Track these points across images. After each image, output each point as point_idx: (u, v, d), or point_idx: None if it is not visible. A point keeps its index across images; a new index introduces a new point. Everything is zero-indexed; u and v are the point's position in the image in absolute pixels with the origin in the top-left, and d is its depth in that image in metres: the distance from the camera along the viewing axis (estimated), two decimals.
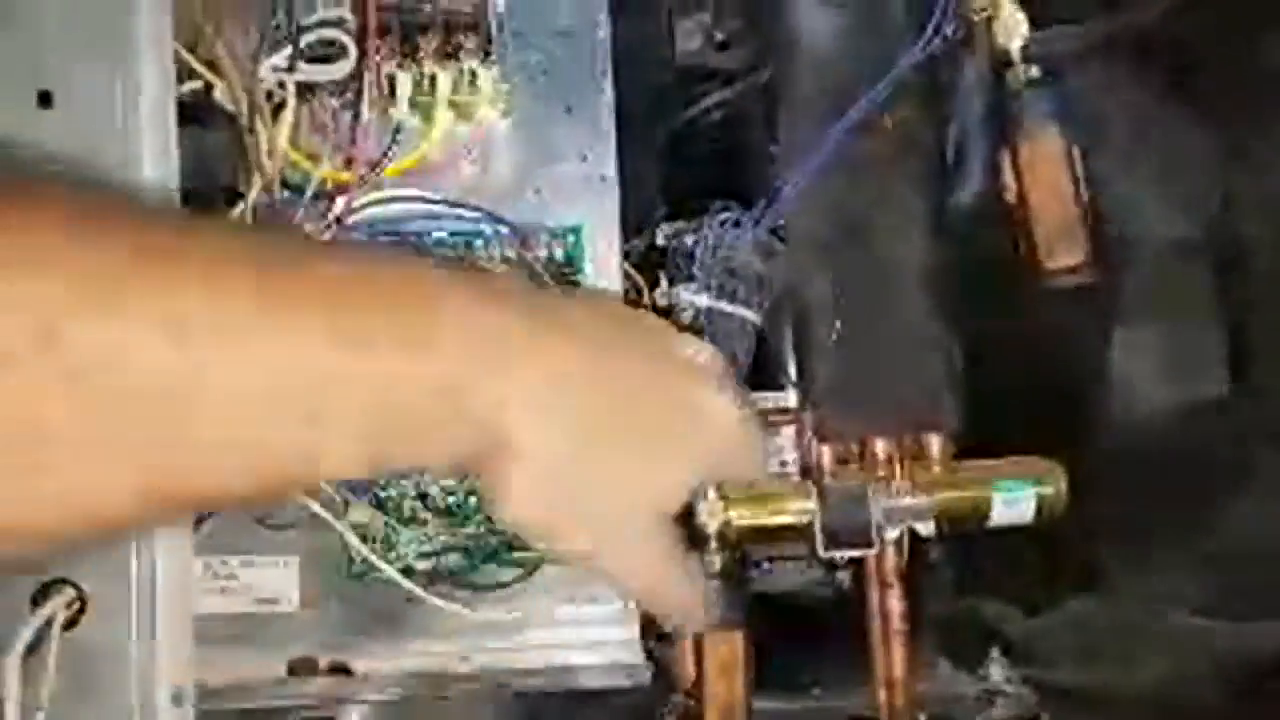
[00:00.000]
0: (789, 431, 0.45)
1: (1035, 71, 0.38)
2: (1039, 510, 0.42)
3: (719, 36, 0.58)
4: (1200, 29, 0.50)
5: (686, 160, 0.55)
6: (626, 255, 0.46)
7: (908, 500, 0.40)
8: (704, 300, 0.40)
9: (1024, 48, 0.38)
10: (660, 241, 0.46)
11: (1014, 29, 0.38)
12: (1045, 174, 0.38)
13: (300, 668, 0.41)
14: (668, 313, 0.44)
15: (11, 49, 0.33)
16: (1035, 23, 0.46)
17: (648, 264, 0.46)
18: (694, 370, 0.31)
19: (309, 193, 0.41)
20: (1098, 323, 0.50)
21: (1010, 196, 0.39)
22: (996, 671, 0.49)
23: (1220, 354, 0.49)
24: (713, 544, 0.39)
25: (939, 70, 0.45)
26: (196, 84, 0.40)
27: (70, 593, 0.33)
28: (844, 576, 0.49)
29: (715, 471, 0.33)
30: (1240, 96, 0.51)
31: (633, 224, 0.46)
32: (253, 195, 0.39)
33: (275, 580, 0.43)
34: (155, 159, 0.36)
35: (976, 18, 0.40)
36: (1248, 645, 0.49)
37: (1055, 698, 0.50)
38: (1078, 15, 0.52)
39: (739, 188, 0.47)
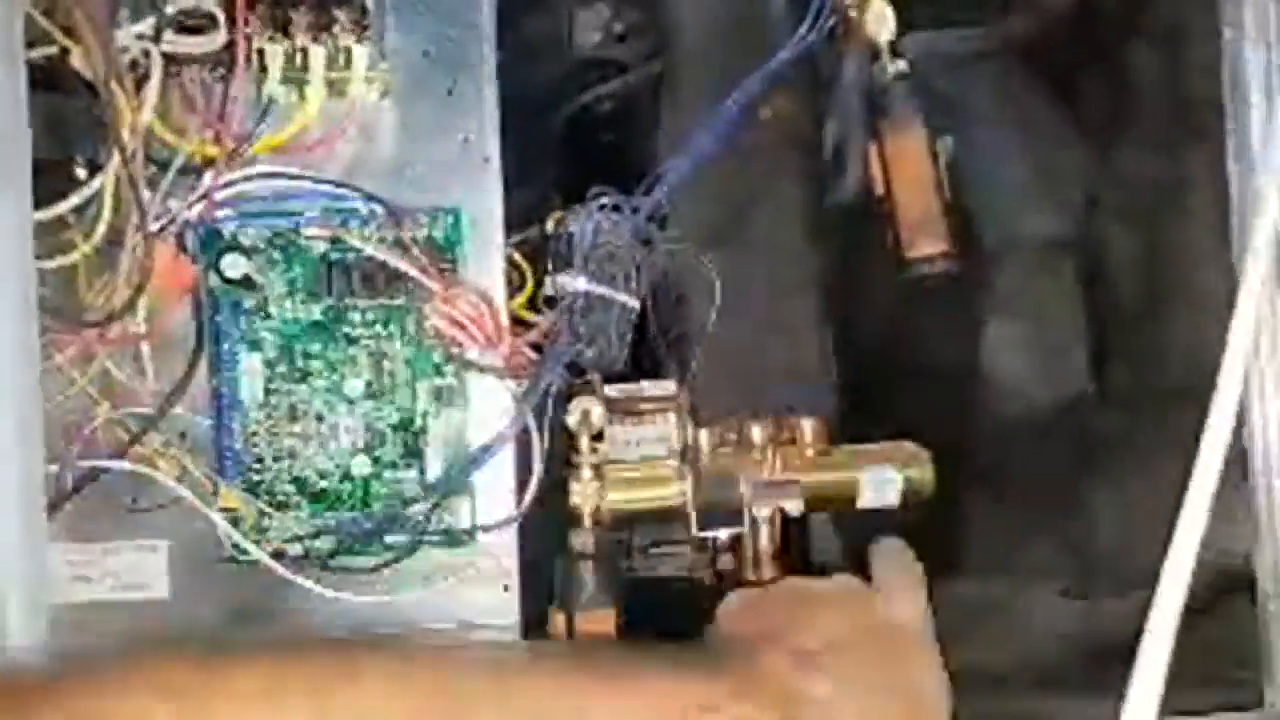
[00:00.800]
0: (670, 416, 0.46)
1: (902, 66, 0.39)
2: (905, 494, 0.43)
3: (618, 28, 0.58)
4: (1078, 40, 0.53)
5: (580, 150, 0.55)
6: (521, 244, 0.46)
7: (778, 482, 0.41)
8: (582, 284, 0.40)
9: (892, 42, 0.39)
10: (550, 229, 0.46)
11: (882, 23, 0.39)
12: (908, 166, 0.39)
13: None
14: (553, 302, 0.44)
15: None
16: (931, 24, 0.48)
17: (542, 252, 0.46)
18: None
19: (174, 167, 0.40)
20: (971, 317, 0.52)
21: (877, 188, 0.40)
22: None
23: (1083, 350, 0.52)
24: (586, 523, 0.39)
25: (819, 63, 0.46)
26: (51, 49, 0.38)
27: None
28: (727, 559, 0.50)
29: None
30: (1110, 106, 0.53)
31: (525, 213, 0.46)
32: (112, 167, 0.38)
33: (143, 567, 0.42)
34: (3, 124, 0.34)
35: (853, 11, 0.41)
36: (1102, 622, 0.52)
37: None
38: (973, 20, 0.54)
39: (630, 177, 0.47)
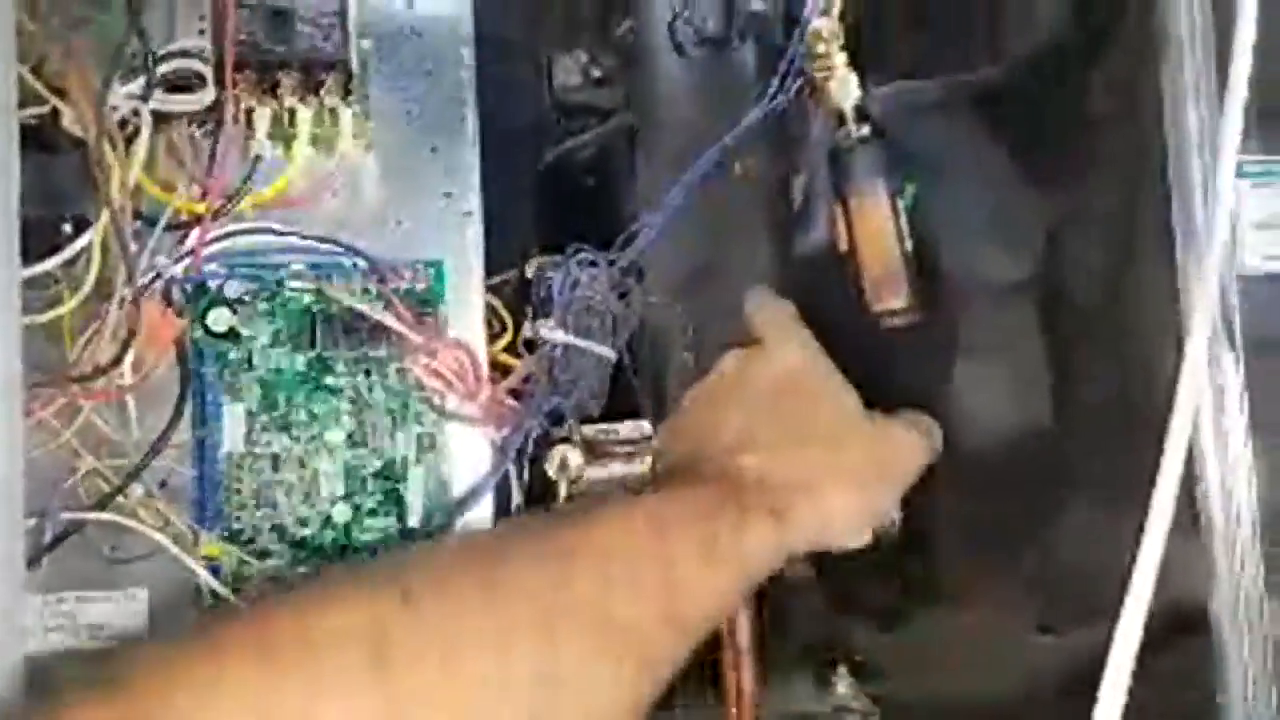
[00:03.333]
0: (647, 459, 0.47)
1: (865, 130, 0.41)
2: (875, 533, 0.45)
3: (595, 73, 0.60)
4: (1032, 88, 0.55)
5: (558, 195, 0.57)
6: (499, 289, 0.47)
7: None
8: (560, 336, 0.42)
9: (857, 107, 0.41)
10: (529, 275, 0.48)
11: (846, 89, 0.41)
12: (870, 226, 0.41)
13: None
14: (533, 345, 0.45)
15: None
16: (884, 77, 0.50)
17: (522, 298, 0.47)
18: None
19: (161, 223, 0.40)
20: (939, 358, 0.54)
21: (843, 245, 0.42)
22: (843, 688, 0.52)
23: (1046, 385, 0.54)
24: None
25: (789, 123, 0.48)
26: (43, 108, 0.39)
27: None
28: None
29: None
30: (1063, 151, 0.56)
31: (505, 258, 0.47)
32: (101, 224, 0.39)
33: (122, 615, 0.42)
34: None
35: (818, 76, 0.43)
36: (1069, 656, 0.53)
37: (898, 711, 0.53)
38: (927, 71, 0.56)
39: (606, 224, 0.49)
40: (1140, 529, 0.39)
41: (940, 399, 0.54)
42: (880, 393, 0.55)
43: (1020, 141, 0.53)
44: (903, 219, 0.41)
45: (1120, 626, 0.34)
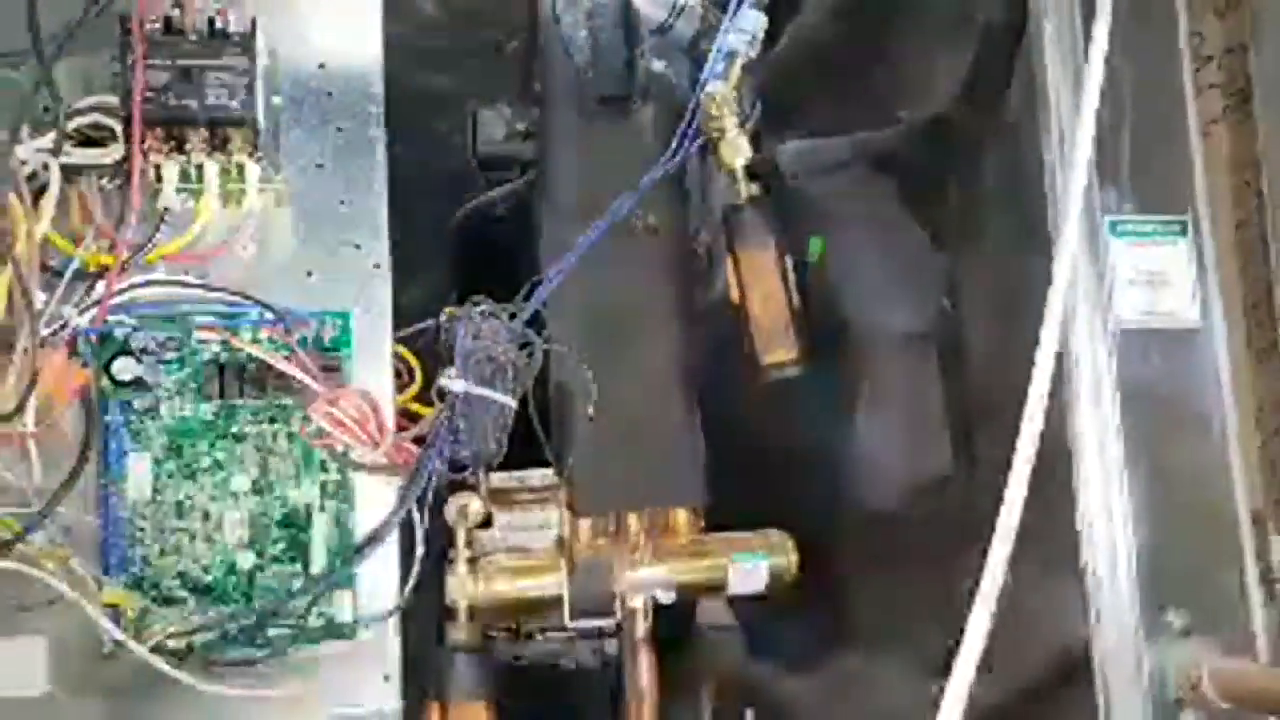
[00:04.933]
0: (552, 507, 0.48)
1: (755, 189, 0.43)
2: (772, 578, 0.46)
3: (520, 126, 0.61)
4: (931, 151, 0.58)
5: (476, 245, 0.59)
6: (414, 338, 0.48)
7: (648, 572, 0.43)
8: (460, 386, 0.43)
9: (747, 167, 0.43)
10: (442, 324, 0.49)
11: (738, 149, 0.43)
12: (760, 282, 0.42)
13: None
14: (444, 395, 0.46)
15: None
16: (792, 134, 0.52)
17: (434, 346, 0.48)
18: None
19: (67, 276, 0.41)
20: (837, 407, 0.55)
21: (734, 296, 0.43)
22: None
23: (946, 433, 0.55)
24: (461, 617, 0.41)
25: (691, 179, 0.50)
26: None
27: None
28: (613, 645, 0.52)
29: None
30: (961, 210, 0.58)
31: (421, 309, 0.48)
32: (5, 278, 0.39)
33: (21, 663, 0.42)
34: None
35: (713, 137, 0.45)
36: (972, 699, 0.54)
37: None
38: (833, 129, 0.59)
39: (525, 273, 0.50)
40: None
41: (844, 447, 0.55)
42: (784, 441, 0.57)
43: (919, 201, 0.56)
44: (790, 275, 0.43)
45: (952, 680, 0.35)
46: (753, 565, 0.45)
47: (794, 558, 0.46)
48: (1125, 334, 0.45)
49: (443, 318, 0.48)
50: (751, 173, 0.43)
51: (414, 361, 0.47)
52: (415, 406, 0.47)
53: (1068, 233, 0.38)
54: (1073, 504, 0.44)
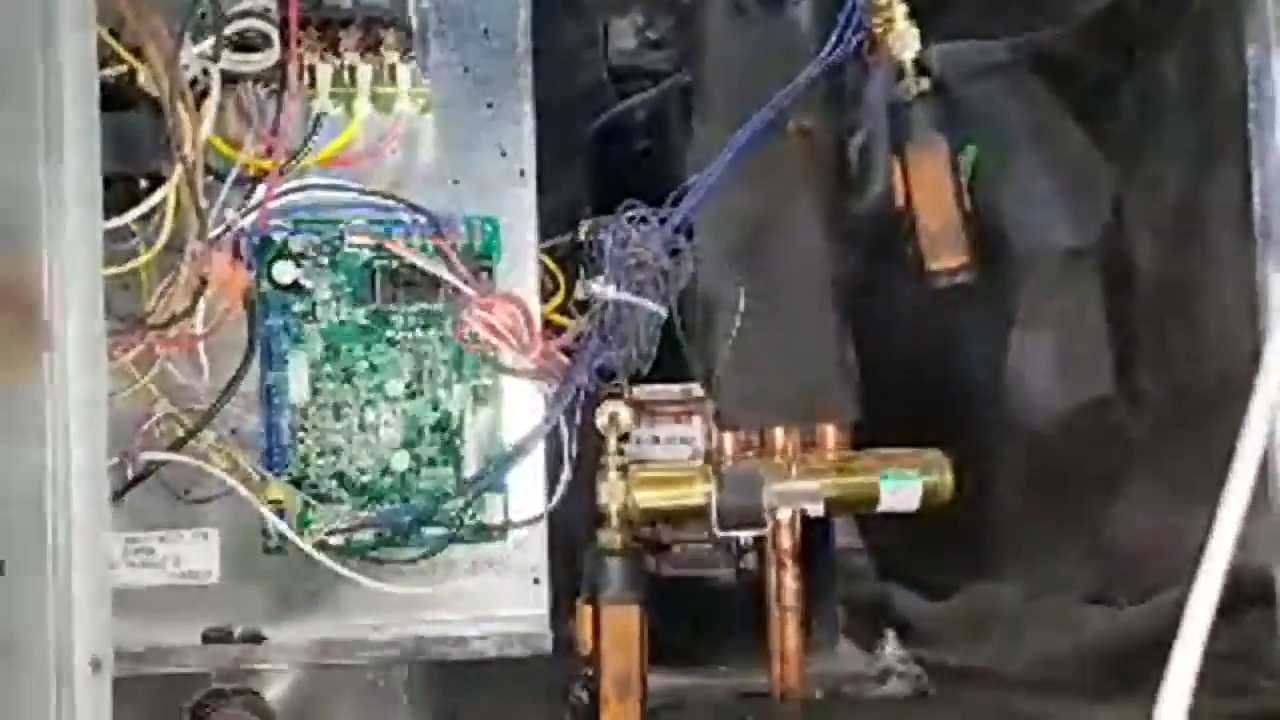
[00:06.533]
0: (698, 420, 0.47)
1: (925, 84, 0.40)
2: (925, 498, 0.44)
3: (651, 35, 0.59)
4: (1103, 51, 0.53)
5: (612, 157, 0.57)
6: (553, 250, 0.47)
7: (799, 484, 0.42)
8: (611, 293, 0.42)
9: (916, 60, 0.40)
10: (582, 237, 0.48)
11: (907, 42, 0.40)
12: (929, 182, 0.40)
13: (214, 636, 0.42)
14: (585, 305, 0.46)
15: None
16: (951, 36, 0.48)
17: (574, 261, 0.48)
18: None
19: (230, 178, 0.42)
20: (995, 325, 0.52)
21: (899, 200, 0.41)
22: (890, 651, 0.52)
23: (1107, 358, 0.52)
24: (613, 521, 0.41)
25: (847, 80, 0.47)
26: (121, 68, 0.41)
27: None
28: (751, 559, 0.52)
29: None
30: (1135, 115, 0.54)
31: (559, 221, 0.48)
32: (175, 179, 0.40)
33: (196, 554, 0.45)
34: (77, 140, 0.37)
35: (878, 29, 0.42)
36: (1123, 628, 0.52)
37: (945, 676, 0.53)
38: (993, 31, 0.55)
39: (660, 186, 0.49)
40: (1204, 505, 0.38)
41: (999, 365, 0.53)
42: (937, 360, 0.54)
43: (1086, 107, 0.52)
44: (962, 176, 0.40)
45: (1193, 599, 0.33)
46: (906, 482, 0.43)
47: (949, 476, 0.44)
48: None
49: (582, 227, 0.47)
50: (921, 67, 0.40)
51: (557, 271, 0.47)
52: (556, 318, 0.46)
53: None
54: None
